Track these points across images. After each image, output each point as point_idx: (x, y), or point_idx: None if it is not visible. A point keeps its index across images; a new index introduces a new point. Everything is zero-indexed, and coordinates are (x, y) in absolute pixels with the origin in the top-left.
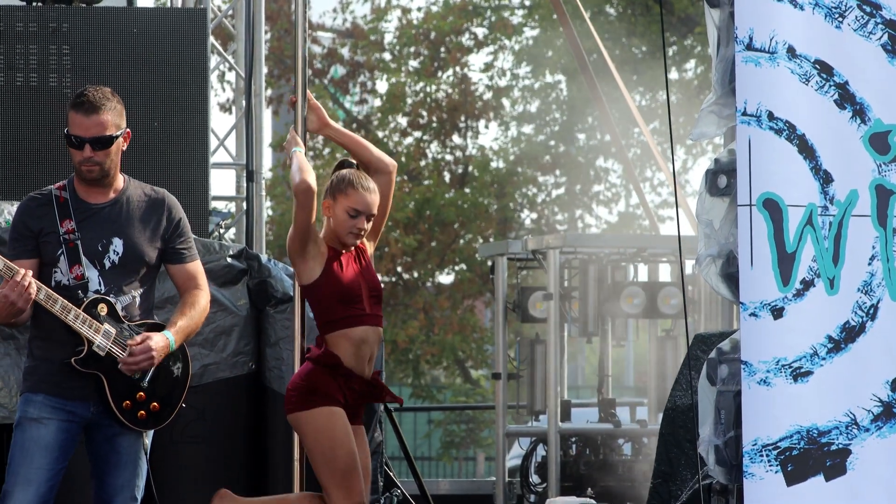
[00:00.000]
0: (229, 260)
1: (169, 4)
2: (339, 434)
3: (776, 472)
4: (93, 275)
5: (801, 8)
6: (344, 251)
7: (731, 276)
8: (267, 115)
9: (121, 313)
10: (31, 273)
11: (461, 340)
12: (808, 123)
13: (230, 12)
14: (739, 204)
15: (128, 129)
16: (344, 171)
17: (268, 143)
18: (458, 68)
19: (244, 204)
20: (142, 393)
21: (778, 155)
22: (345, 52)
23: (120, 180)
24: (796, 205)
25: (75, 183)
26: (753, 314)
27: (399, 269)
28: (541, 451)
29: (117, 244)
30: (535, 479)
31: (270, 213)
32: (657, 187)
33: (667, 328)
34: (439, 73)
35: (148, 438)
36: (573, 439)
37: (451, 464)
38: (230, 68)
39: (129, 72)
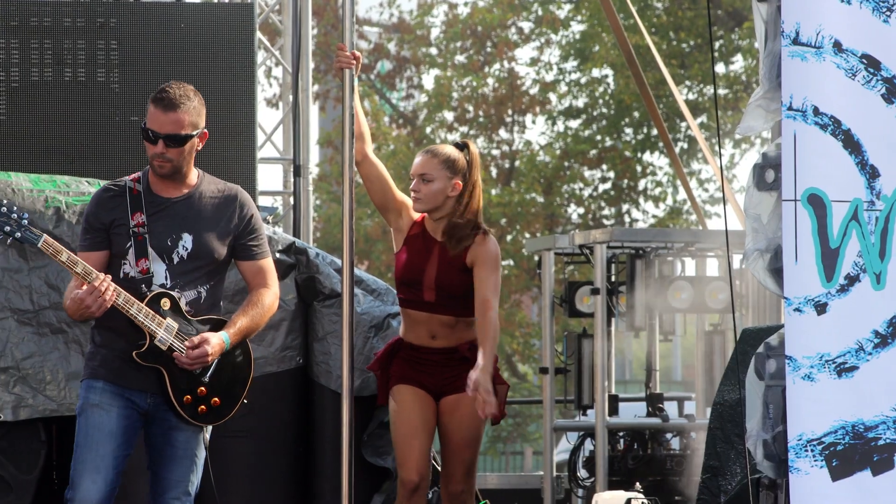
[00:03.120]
0: (278, 255)
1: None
2: (398, 409)
3: (821, 467)
4: (159, 269)
5: (849, 2)
6: (431, 237)
7: (778, 271)
8: (314, 110)
9: (185, 308)
10: (109, 278)
11: (508, 336)
12: (855, 118)
13: (277, 7)
14: (784, 199)
15: (205, 130)
16: None
17: (315, 138)
18: (504, 63)
19: (291, 199)
20: (203, 388)
21: (822, 150)
22: (391, 47)
23: (193, 175)
24: (841, 200)
25: (150, 176)
26: (797, 309)
27: None
28: (588, 445)
29: (187, 240)
30: (582, 473)
31: (316, 213)
32: (704, 182)
33: (714, 323)
34: (486, 68)
35: (208, 433)
36: (621, 434)
37: (498, 458)
38: (277, 63)
39: (177, 67)
